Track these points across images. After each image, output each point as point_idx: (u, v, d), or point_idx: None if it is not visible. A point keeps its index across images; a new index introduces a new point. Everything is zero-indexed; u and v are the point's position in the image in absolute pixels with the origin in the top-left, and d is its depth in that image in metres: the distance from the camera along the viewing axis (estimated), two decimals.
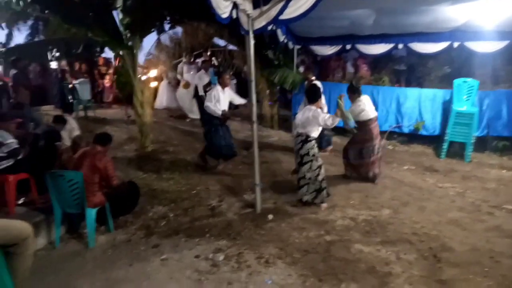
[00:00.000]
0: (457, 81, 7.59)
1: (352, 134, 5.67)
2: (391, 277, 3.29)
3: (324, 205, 4.78)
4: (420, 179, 6.01)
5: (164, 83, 9.94)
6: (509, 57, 8.36)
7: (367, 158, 5.65)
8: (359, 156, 5.71)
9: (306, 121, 4.74)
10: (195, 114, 9.50)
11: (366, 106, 5.59)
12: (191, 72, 9.63)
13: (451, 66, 9.26)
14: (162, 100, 9.96)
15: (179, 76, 9.80)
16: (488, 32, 7.16)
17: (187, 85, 9.48)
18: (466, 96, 7.47)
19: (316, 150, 4.76)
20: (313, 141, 4.76)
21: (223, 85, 6.10)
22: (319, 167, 4.73)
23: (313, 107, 4.77)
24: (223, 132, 6.10)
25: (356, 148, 5.73)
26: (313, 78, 7.20)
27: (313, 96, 4.91)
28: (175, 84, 9.90)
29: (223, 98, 6.00)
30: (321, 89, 6.60)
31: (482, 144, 7.56)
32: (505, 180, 6.02)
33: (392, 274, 3.34)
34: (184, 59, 9.77)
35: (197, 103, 9.06)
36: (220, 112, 5.91)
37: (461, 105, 7.36)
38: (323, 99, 4.84)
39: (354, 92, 5.67)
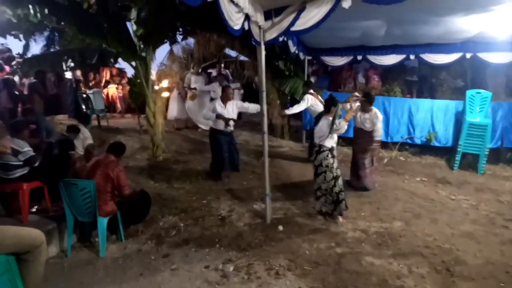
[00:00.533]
0: (470, 92, 7.52)
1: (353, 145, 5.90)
2: None
3: (341, 219, 4.68)
4: (433, 191, 5.94)
5: (175, 94, 9.86)
6: None
7: (363, 170, 5.77)
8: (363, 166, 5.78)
9: (319, 131, 4.76)
10: (204, 125, 9.54)
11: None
12: (198, 83, 9.61)
13: (464, 77, 9.19)
14: (173, 111, 9.89)
15: (186, 88, 9.78)
16: (501, 43, 7.11)
17: (193, 97, 9.47)
18: (479, 107, 7.39)
19: (330, 161, 4.66)
20: (327, 152, 4.69)
21: (225, 100, 6.03)
22: (334, 178, 4.62)
23: (327, 117, 4.75)
24: (226, 145, 6.05)
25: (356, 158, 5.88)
26: (311, 90, 7.15)
27: (326, 106, 4.90)
28: (184, 95, 9.84)
29: (226, 113, 5.94)
30: (308, 101, 6.85)
31: (495, 156, 7.45)
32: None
33: (404, 287, 3.29)
34: (191, 70, 9.79)
35: None
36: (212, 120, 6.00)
37: (474, 117, 7.28)
38: (339, 109, 4.79)
39: (371, 102, 5.71)
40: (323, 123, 4.73)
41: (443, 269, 3.58)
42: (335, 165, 4.68)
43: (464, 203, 5.44)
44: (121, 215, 4.26)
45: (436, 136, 8.02)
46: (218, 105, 5.96)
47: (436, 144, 8.05)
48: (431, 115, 8.12)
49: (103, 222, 4.01)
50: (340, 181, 4.66)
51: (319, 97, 7.24)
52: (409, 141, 8.34)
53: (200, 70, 10.07)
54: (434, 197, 5.63)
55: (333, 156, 4.73)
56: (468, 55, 7.69)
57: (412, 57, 8.21)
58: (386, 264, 3.67)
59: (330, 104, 4.82)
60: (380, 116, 5.66)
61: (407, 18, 5.94)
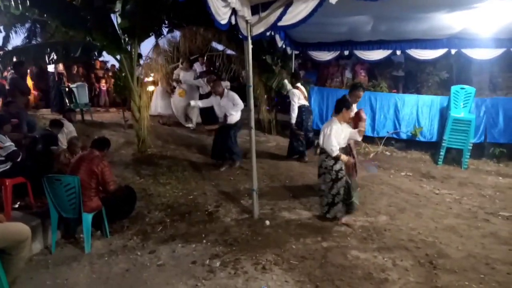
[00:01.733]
0: (454, 88, 7.63)
1: None
2: (388, 283, 3.30)
3: (345, 218, 4.54)
4: (417, 186, 6.03)
5: (159, 88, 9.61)
6: (506, 65, 8.43)
7: None
8: None
9: (321, 132, 4.55)
10: (188, 122, 9.49)
11: None
12: (188, 79, 9.36)
13: (449, 73, 9.32)
14: (157, 106, 9.60)
15: (174, 83, 9.51)
16: (485, 39, 7.24)
17: (183, 93, 9.24)
18: (463, 103, 7.51)
19: (329, 163, 4.45)
20: (326, 153, 4.46)
21: (216, 94, 6.51)
22: (333, 180, 4.44)
23: (334, 118, 4.50)
24: (219, 136, 6.51)
25: None
26: (298, 84, 7.24)
27: (336, 106, 4.52)
28: (170, 90, 9.57)
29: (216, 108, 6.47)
30: (298, 97, 6.93)
31: (479, 150, 7.59)
32: (502, 187, 6.05)
33: (389, 280, 3.34)
34: (180, 65, 9.53)
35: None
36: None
37: (458, 112, 7.40)
38: (352, 111, 4.60)
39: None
40: (326, 125, 4.47)
41: (427, 262, 3.65)
42: (336, 167, 4.44)
43: (447, 197, 5.54)
44: (106, 211, 4.21)
45: (421, 131, 8.13)
46: (213, 100, 6.55)
47: (421, 139, 8.16)
48: (417, 110, 8.23)
49: (88, 218, 3.96)
50: (339, 184, 4.44)
51: (304, 91, 7.29)
52: (395, 136, 8.44)
53: (189, 66, 9.76)
54: (418, 192, 5.71)
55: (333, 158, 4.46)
56: (453, 51, 7.80)
57: (398, 52, 8.30)
58: (371, 258, 3.72)
59: (342, 106, 4.47)
60: None
61: (393, 14, 5.99)
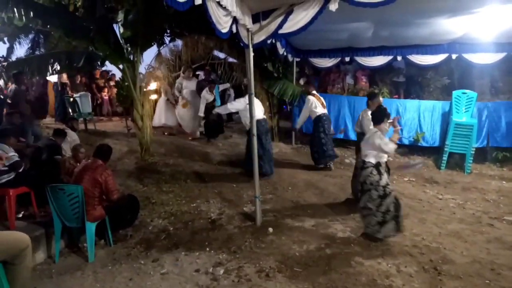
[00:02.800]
0: (456, 93, 7.64)
1: None
2: None
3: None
4: (421, 191, 6.02)
5: (162, 99, 9.40)
6: (507, 69, 8.44)
7: None
8: None
9: (365, 144, 4.28)
10: (194, 132, 9.28)
11: None
12: (190, 89, 9.16)
13: (450, 78, 9.33)
14: (161, 118, 9.37)
15: (177, 93, 9.31)
16: (486, 44, 7.26)
17: (186, 105, 9.06)
18: (465, 107, 7.52)
19: (375, 178, 4.12)
20: (371, 168, 4.17)
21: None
22: (380, 197, 4.09)
23: (375, 129, 4.24)
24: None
25: None
26: (313, 91, 7.21)
27: (379, 116, 4.30)
28: (174, 101, 9.35)
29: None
30: (313, 104, 6.82)
31: (482, 155, 7.58)
32: (506, 191, 6.02)
33: (393, 287, 3.32)
34: (182, 74, 9.36)
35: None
36: None
37: (460, 117, 7.40)
38: (386, 123, 4.39)
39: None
40: (374, 137, 4.15)
41: (431, 268, 3.62)
42: (382, 182, 4.12)
43: (451, 202, 5.52)
44: (110, 219, 4.23)
45: (423, 136, 8.13)
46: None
47: (424, 144, 8.15)
48: (419, 116, 8.24)
49: (91, 227, 3.97)
50: (389, 200, 4.10)
51: (322, 99, 7.20)
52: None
53: (191, 75, 9.63)
54: (422, 197, 5.70)
55: (379, 173, 4.15)
56: (454, 56, 7.84)
57: (399, 58, 8.32)
58: (375, 264, 3.70)
59: (383, 116, 4.27)
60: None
61: (393, 20, 6.02)
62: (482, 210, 5.18)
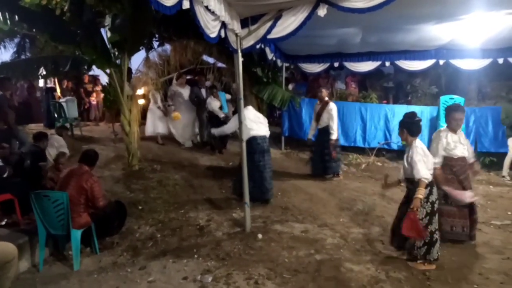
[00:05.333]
0: (443, 98, 7.73)
1: None
2: None
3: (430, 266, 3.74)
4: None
5: (153, 107, 8.89)
6: (493, 74, 8.58)
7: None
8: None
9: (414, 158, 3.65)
10: (187, 141, 9.01)
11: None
12: (184, 97, 8.77)
13: (438, 84, 9.44)
14: (156, 127, 8.85)
15: (170, 101, 8.96)
16: (472, 50, 7.34)
17: (177, 117, 8.59)
18: None
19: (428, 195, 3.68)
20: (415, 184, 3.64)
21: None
22: (429, 214, 3.68)
23: (416, 144, 3.73)
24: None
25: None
26: (327, 98, 6.90)
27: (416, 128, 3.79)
28: (164, 108, 8.89)
29: None
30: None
31: None
32: (493, 196, 6.07)
33: None
34: (175, 82, 8.96)
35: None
36: None
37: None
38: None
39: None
40: (410, 153, 3.72)
41: (420, 273, 3.62)
42: (432, 197, 3.69)
43: None
44: (96, 227, 4.15)
45: None
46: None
47: None
48: None
49: (76, 235, 3.89)
50: (436, 218, 3.76)
51: None
52: (386, 146, 8.48)
53: (185, 82, 9.19)
54: None
55: (428, 186, 3.66)
56: (441, 62, 7.91)
57: (387, 64, 8.38)
58: (365, 270, 3.69)
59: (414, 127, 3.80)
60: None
61: (382, 26, 6.06)
62: None
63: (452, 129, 4.24)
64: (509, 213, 5.35)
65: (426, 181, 3.56)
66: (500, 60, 7.45)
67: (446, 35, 6.61)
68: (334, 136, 6.61)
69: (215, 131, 6.32)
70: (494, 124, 7.68)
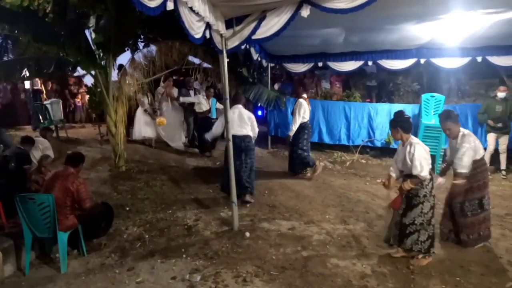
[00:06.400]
0: (425, 96, 7.89)
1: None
2: None
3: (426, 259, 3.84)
4: (394, 192, 6.13)
5: (140, 111, 8.68)
6: (472, 73, 8.80)
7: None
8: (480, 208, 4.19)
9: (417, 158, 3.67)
10: (176, 144, 8.86)
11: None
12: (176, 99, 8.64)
13: (420, 82, 9.62)
14: (141, 131, 8.65)
15: (157, 104, 8.78)
16: (451, 49, 7.53)
17: (162, 122, 8.30)
18: (433, 110, 7.77)
19: (428, 188, 3.74)
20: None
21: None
22: (432, 208, 3.76)
23: (415, 141, 3.79)
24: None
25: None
26: (304, 95, 6.93)
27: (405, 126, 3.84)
28: (151, 111, 8.67)
29: None
30: (304, 109, 6.65)
31: None
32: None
33: (368, 287, 3.39)
34: (162, 84, 8.83)
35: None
36: None
37: (429, 119, 7.63)
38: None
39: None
40: (408, 151, 3.71)
41: (404, 267, 3.72)
42: (433, 191, 3.79)
43: None
44: (83, 228, 4.13)
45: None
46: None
47: (395, 146, 8.30)
48: (389, 119, 8.41)
49: (63, 237, 3.87)
50: (435, 210, 3.85)
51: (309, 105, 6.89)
52: (369, 144, 8.62)
53: (172, 84, 9.07)
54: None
55: (431, 180, 3.77)
56: (422, 61, 8.08)
57: (370, 63, 8.51)
58: (350, 265, 3.77)
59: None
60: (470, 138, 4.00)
61: (364, 26, 6.18)
62: None
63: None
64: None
65: (423, 179, 3.65)
66: (479, 59, 7.65)
67: (426, 34, 6.76)
68: (290, 131, 6.76)
69: (208, 135, 6.22)
70: (473, 121, 7.88)
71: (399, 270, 3.69)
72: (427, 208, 3.74)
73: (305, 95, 6.92)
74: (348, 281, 3.49)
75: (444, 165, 4.53)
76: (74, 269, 3.89)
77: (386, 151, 8.48)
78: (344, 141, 8.84)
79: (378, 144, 8.56)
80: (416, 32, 6.53)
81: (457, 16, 5.44)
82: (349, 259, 3.90)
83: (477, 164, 4.07)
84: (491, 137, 7.13)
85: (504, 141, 6.95)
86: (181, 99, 8.57)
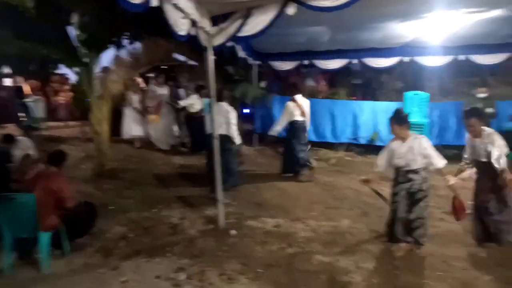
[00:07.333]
0: (408, 94, 7.99)
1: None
2: (351, 286, 3.39)
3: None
4: (378, 188, 6.20)
5: (129, 109, 8.49)
6: (455, 71, 8.93)
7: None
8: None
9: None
10: (164, 145, 8.64)
11: None
12: (163, 97, 8.47)
13: (404, 80, 9.74)
14: (130, 129, 8.44)
15: (149, 102, 8.46)
16: (434, 47, 7.64)
17: (155, 119, 8.22)
18: (417, 107, 7.87)
19: (428, 182, 3.97)
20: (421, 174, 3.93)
21: None
22: (427, 200, 4.00)
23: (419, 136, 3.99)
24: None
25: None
26: (295, 96, 6.85)
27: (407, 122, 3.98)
28: (142, 109, 8.49)
29: None
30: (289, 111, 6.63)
31: None
32: (456, 187, 6.33)
33: (352, 283, 3.43)
34: (153, 81, 8.62)
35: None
36: None
37: (413, 117, 7.72)
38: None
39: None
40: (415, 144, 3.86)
41: (388, 263, 3.78)
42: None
43: None
44: (66, 228, 4.06)
45: (379, 135, 8.42)
46: None
47: (380, 143, 8.42)
48: (374, 116, 8.54)
49: (45, 237, 3.81)
50: None
51: (303, 105, 6.76)
52: (354, 141, 8.70)
53: (163, 81, 8.88)
54: None
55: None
56: (406, 59, 8.18)
57: (355, 61, 8.58)
58: (335, 262, 3.80)
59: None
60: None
61: (349, 24, 6.23)
62: (434, 205, 5.37)
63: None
64: (469, 202, 5.61)
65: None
66: (461, 57, 7.79)
67: (410, 33, 6.85)
68: (271, 131, 6.95)
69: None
70: (456, 118, 8.02)
71: (382, 266, 3.74)
72: (428, 201, 3.91)
73: (297, 96, 6.82)
74: (333, 277, 3.52)
75: (463, 164, 4.42)
76: (57, 269, 3.82)
77: (370, 148, 8.55)
78: (330, 139, 8.90)
79: (363, 141, 8.65)
80: (400, 30, 6.62)
81: (440, 15, 5.53)
82: (333, 256, 3.93)
83: None
84: None
85: None
86: (181, 103, 8.34)
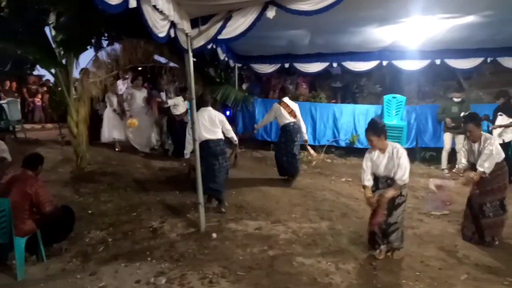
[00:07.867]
0: (387, 97, 8.15)
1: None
2: (332, 287, 3.42)
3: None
4: (357, 190, 6.29)
5: (108, 111, 8.31)
6: (432, 75, 9.15)
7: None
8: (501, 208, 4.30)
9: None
10: (145, 148, 8.52)
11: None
12: (140, 101, 8.27)
13: (382, 83, 9.92)
14: (111, 132, 8.26)
15: (126, 106, 8.30)
16: (412, 51, 7.81)
17: (133, 124, 7.84)
18: (395, 110, 8.04)
19: (407, 188, 3.97)
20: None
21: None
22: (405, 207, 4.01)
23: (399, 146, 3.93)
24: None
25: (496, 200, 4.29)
26: (284, 98, 6.73)
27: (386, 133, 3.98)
28: (120, 111, 8.30)
29: None
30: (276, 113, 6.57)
31: (411, 155, 7.96)
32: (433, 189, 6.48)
33: (333, 284, 3.47)
34: (130, 84, 8.49)
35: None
36: None
37: (391, 119, 7.89)
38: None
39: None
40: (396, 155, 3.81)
41: (367, 264, 3.83)
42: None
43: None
44: (42, 233, 3.96)
45: (358, 138, 8.55)
46: None
47: (359, 146, 8.57)
48: (354, 119, 8.66)
49: (20, 243, 3.70)
50: None
51: (291, 107, 6.58)
52: (334, 144, 8.81)
53: (141, 84, 8.72)
54: (358, 196, 5.95)
55: None
56: (384, 63, 8.32)
57: (335, 65, 8.68)
58: (315, 263, 3.84)
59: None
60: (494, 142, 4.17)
61: (328, 28, 6.30)
62: (412, 207, 5.54)
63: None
64: (448, 204, 5.75)
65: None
66: (438, 61, 7.99)
67: (388, 37, 6.98)
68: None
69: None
70: (433, 121, 8.22)
71: (362, 266, 3.79)
72: (405, 206, 3.98)
73: (285, 99, 6.71)
74: (314, 279, 3.55)
75: (458, 167, 4.56)
76: (32, 275, 3.73)
77: (350, 151, 8.69)
78: (310, 141, 8.95)
79: (342, 144, 8.77)
80: (378, 34, 6.73)
81: (417, 20, 5.66)
82: (314, 257, 3.96)
83: (498, 166, 4.19)
84: (447, 136, 7.43)
85: (460, 140, 7.24)
86: (169, 101, 8.14)
